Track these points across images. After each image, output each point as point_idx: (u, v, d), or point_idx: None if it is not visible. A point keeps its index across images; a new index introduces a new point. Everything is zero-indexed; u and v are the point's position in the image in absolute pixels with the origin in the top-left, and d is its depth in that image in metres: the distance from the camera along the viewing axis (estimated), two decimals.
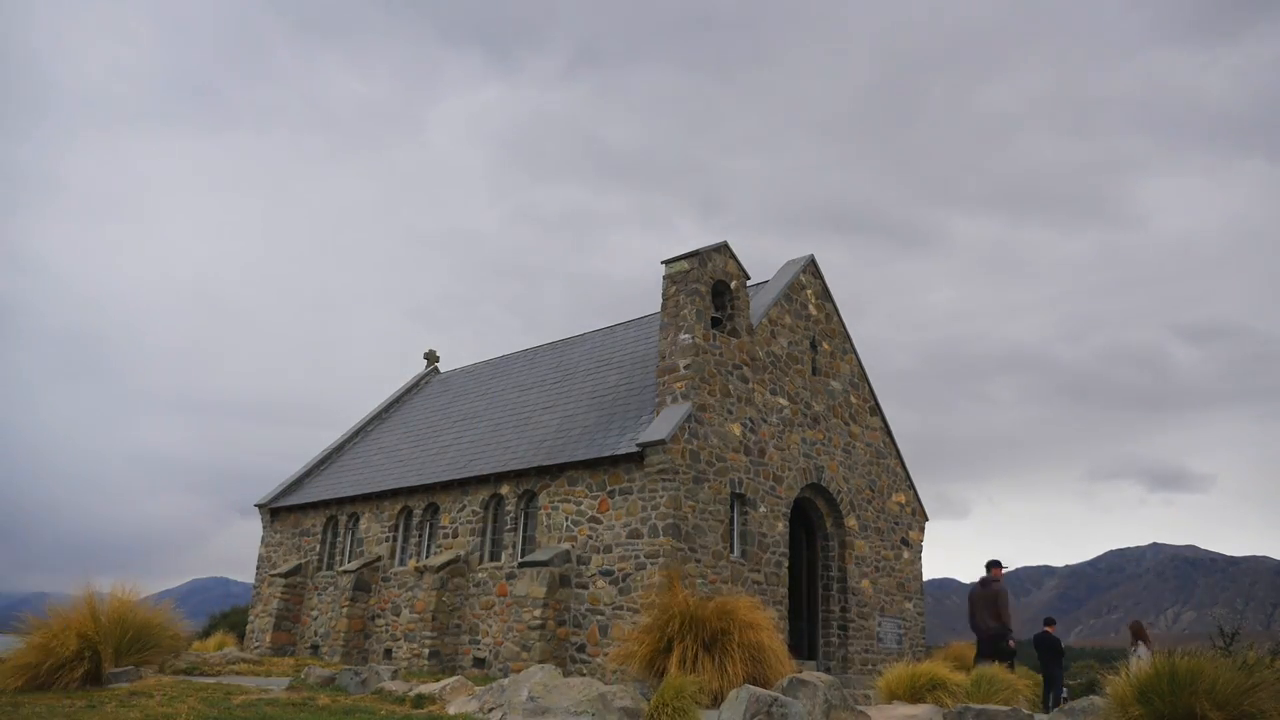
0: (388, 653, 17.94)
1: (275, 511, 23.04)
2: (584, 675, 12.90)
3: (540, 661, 13.85)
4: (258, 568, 23.04)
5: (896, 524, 18.93)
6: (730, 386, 15.55)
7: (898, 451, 19.49)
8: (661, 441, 14.06)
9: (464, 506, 17.86)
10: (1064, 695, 13.83)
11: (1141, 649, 13.63)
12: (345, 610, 18.74)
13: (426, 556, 18.39)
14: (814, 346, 18.00)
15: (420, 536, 18.79)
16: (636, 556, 14.28)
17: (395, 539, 19.43)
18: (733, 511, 15.27)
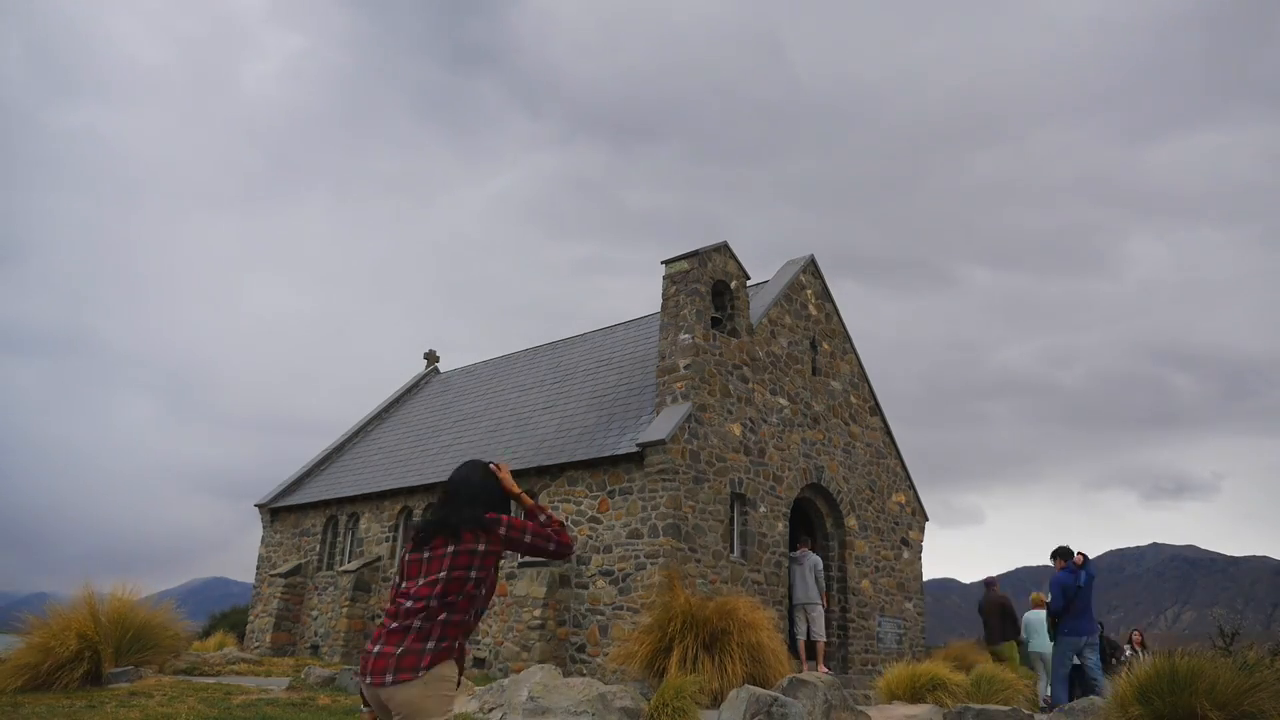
0: None
1: (275, 512, 23.03)
2: (584, 675, 12.89)
3: (540, 661, 13.85)
4: (258, 568, 23.03)
5: (896, 524, 18.92)
6: (730, 386, 15.55)
7: (898, 451, 19.48)
8: (661, 441, 14.06)
9: None
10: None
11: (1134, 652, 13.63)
12: (345, 610, 18.73)
13: None
14: (814, 346, 17.99)
15: None
16: (636, 556, 14.27)
17: (395, 539, 19.42)
18: (733, 511, 15.26)
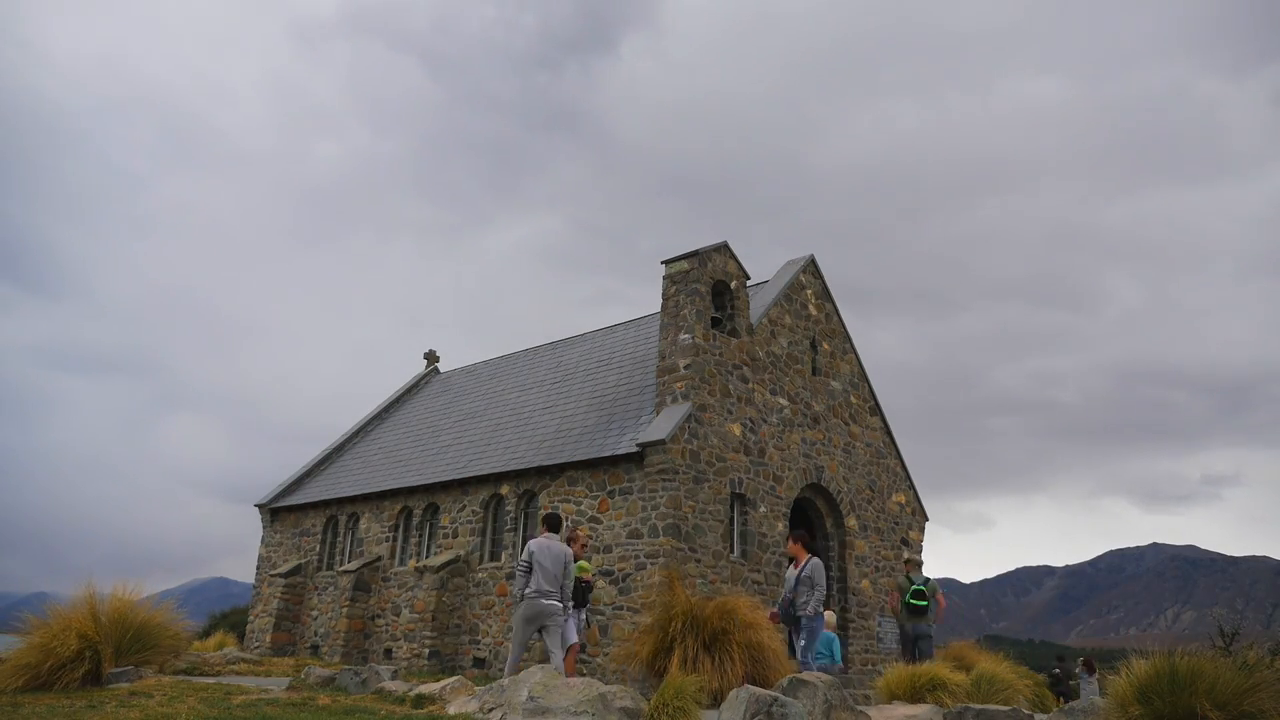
0: (388, 653, 17.94)
1: (275, 512, 23.03)
2: (584, 675, 12.89)
3: (540, 661, 13.85)
4: (258, 568, 23.03)
5: (896, 524, 18.93)
6: (730, 386, 15.55)
7: (898, 451, 19.48)
8: (661, 441, 14.06)
9: (464, 506, 17.86)
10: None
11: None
12: (345, 610, 18.74)
13: (426, 556, 18.39)
14: (814, 346, 17.99)
15: (420, 536, 18.78)
16: (637, 556, 14.28)
17: (395, 539, 19.42)
18: (733, 511, 15.27)
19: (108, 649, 10.83)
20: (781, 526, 15.92)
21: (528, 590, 9.91)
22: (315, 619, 20.53)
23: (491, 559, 17.19)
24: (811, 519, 17.60)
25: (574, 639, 11.10)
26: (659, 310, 16.03)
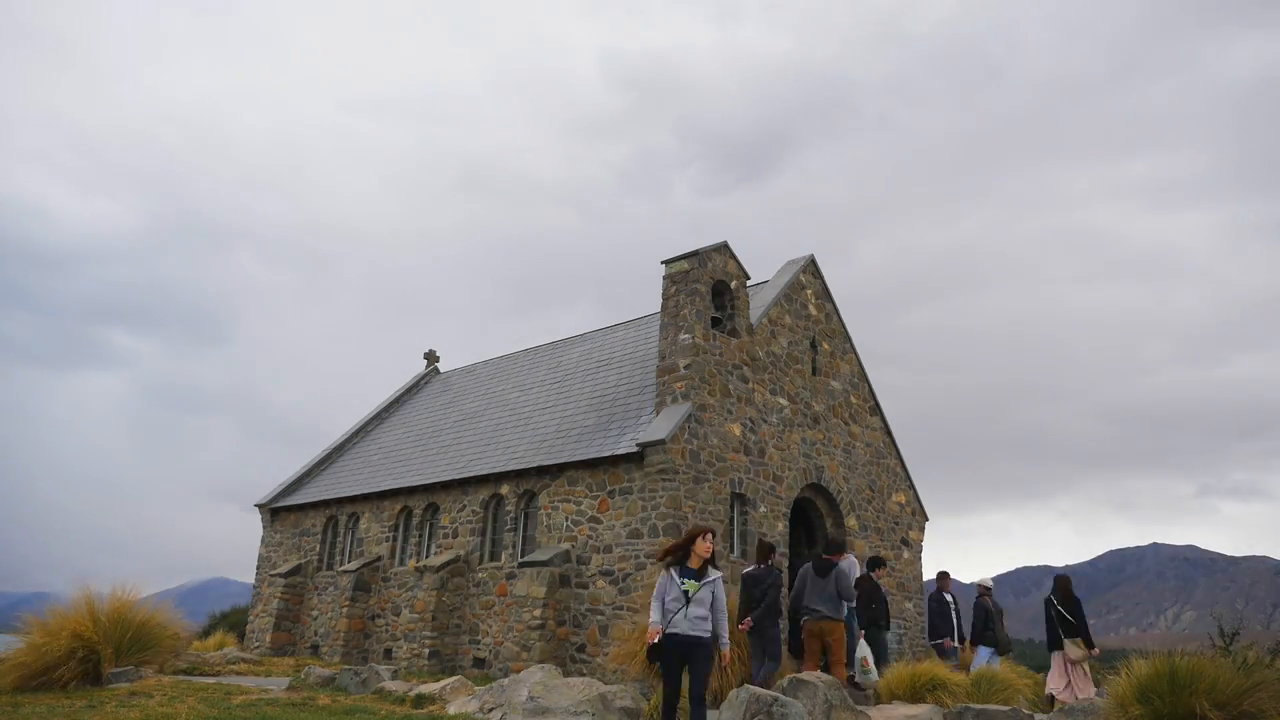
0: (388, 653, 17.94)
1: (275, 511, 23.03)
2: (584, 675, 12.90)
3: (540, 661, 13.85)
4: (258, 568, 23.03)
5: (896, 524, 18.92)
6: (730, 386, 15.55)
7: (898, 451, 19.47)
8: (661, 441, 14.06)
9: (464, 506, 17.85)
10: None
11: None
12: (345, 610, 18.73)
13: (426, 556, 18.38)
14: (814, 346, 17.99)
15: (420, 536, 18.78)
16: (637, 556, 14.27)
17: (395, 539, 19.42)
18: (733, 511, 15.26)
19: (107, 649, 10.84)
20: (781, 526, 15.92)
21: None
22: (315, 619, 20.53)
23: (491, 559, 17.19)
24: (811, 519, 17.59)
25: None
26: (659, 310, 16.02)
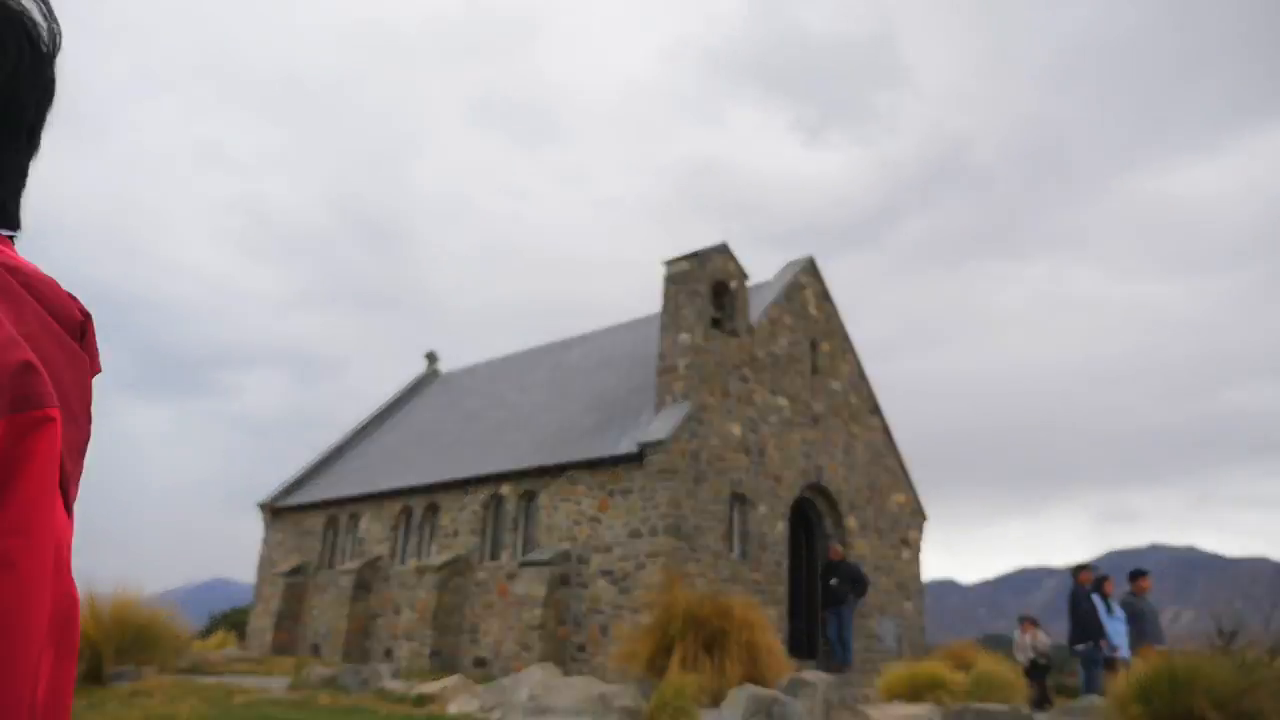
0: (388, 652, 17.95)
1: (276, 511, 23.04)
2: (584, 675, 12.91)
3: (540, 661, 13.87)
4: (259, 567, 23.04)
5: (896, 524, 18.93)
6: (730, 386, 15.56)
7: (897, 451, 19.48)
8: (661, 441, 14.08)
9: (465, 506, 17.87)
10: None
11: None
12: (346, 610, 18.74)
13: (427, 556, 18.41)
14: (814, 346, 18.00)
15: (421, 536, 18.80)
16: (637, 556, 14.30)
17: (396, 539, 19.43)
18: (733, 511, 15.28)
19: (108, 648, 10.86)
20: (781, 526, 15.94)
21: None
22: (316, 618, 20.54)
23: (492, 559, 17.21)
24: (811, 519, 17.61)
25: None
26: (659, 310, 16.05)
